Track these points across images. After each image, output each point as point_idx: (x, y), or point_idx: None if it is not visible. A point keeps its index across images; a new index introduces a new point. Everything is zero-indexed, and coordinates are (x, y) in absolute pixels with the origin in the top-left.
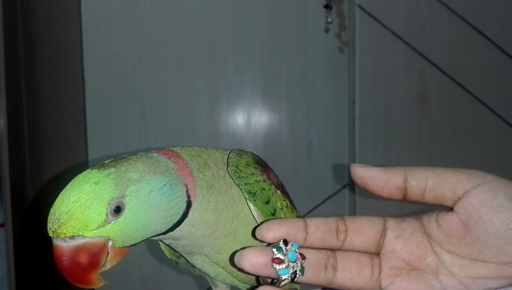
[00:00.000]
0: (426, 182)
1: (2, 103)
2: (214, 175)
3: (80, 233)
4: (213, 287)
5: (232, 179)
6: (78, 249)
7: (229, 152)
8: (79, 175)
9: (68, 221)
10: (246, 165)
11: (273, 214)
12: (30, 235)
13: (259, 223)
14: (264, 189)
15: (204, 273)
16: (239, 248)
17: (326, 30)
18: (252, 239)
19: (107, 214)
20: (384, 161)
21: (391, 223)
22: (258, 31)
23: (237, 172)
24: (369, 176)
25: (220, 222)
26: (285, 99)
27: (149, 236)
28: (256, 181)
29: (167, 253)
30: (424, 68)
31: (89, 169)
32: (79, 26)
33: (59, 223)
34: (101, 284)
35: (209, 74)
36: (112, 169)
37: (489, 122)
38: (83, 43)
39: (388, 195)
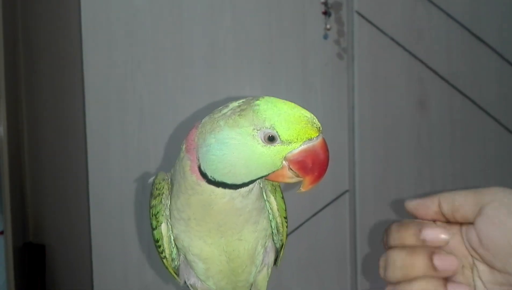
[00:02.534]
0: (453, 204)
1: (2, 111)
2: None
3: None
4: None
5: None
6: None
7: None
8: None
9: (318, 123)
10: None
11: (285, 210)
12: (29, 243)
13: (275, 218)
14: (279, 185)
15: (201, 270)
16: (254, 242)
17: (325, 37)
18: (262, 235)
19: None
20: (383, 166)
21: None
22: (257, 37)
23: None
24: (414, 207)
25: (258, 200)
26: None
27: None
28: None
29: (167, 251)
30: (423, 74)
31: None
32: (79, 32)
33: (316, 124)
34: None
35: (208, 80)
36: None
37: (488, 128)
38: (83, 49)
39: (432, 219)
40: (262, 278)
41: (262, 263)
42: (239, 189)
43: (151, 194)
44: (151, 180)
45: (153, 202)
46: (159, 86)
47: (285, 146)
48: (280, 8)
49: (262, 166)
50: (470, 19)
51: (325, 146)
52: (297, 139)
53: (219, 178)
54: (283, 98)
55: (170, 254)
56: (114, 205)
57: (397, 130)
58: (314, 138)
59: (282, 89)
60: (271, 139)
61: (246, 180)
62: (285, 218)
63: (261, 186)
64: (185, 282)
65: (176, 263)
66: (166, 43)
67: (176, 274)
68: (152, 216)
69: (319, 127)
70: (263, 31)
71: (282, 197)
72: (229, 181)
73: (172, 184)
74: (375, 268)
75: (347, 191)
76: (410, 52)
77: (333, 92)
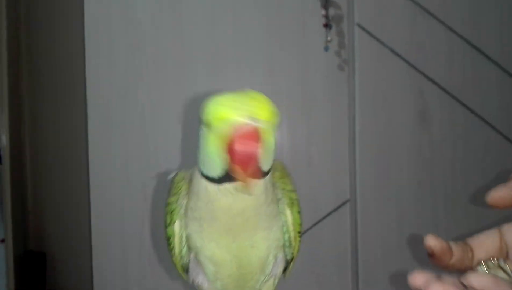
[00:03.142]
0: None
1: (5, 120)
2: None
3: (271, 122)
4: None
5: (276, 182)
6: (268, 137)
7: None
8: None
9: (267, 108)
10: (288, 174)
11: (300, 225)
12: (30, 251)
13: (289, 231)
14: (297, 200)
15: (211, 272)
16: (266, 251)
17: (326, 49)
18: (275, 245)
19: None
20: (384, 177)
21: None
22: (257, 48)
23: (283, 177)
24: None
25: (271, 205)
26: (285, 116)
27: (268, 164)
28: (293, 190)
29: (177, 250)
30: (424, 86)
31: None
32: (81, 35)
33: (257, 108)
34: (254, 183)
35: (209, 90)
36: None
37: (489, 138)
38: (85, 52)
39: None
40: (267, 288)
41: (270, 273)
42: (226, 186)
43: (169, 191)
44: (170, 176)
45: (170, 200)
46: (161, 89)
47: (220, 132)
48: (281, 20)
49: (213, 154)
50: (470, 31)
51: (251, 133)
52: (220, 122)
53: (203, 170)
54: (283, 110)
55: (180, 253)
56: (115, 213)
57: (398, 141)
58: (244, 124)
59: (282, 100)
60: (207, 125)
61: (216, 170)
62: (299, 233)
63: (278, 197)
64: (193, 281)
65: (185, 261)
66: (167, 50)
67: (184, 272)
68: (167, 213)
69: (256, 113)
70: (264, 42)
71: (299, 212)
72: (208, 174)
73: (190, 183)
74: (376, 277)
75: (348, 200)
76: (410, 64)
77: (334, 103)
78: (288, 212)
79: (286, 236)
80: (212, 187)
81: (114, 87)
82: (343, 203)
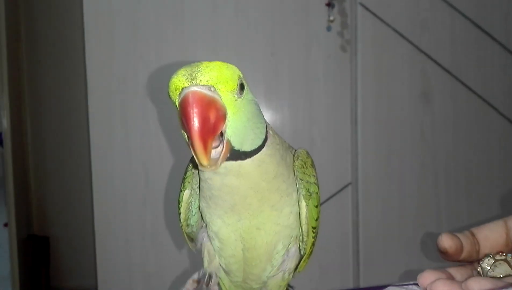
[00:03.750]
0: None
1: (5, 104)
2: (279, 139)
3: (218, 86)
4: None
5: (296, 171)
6: (214, 101)
7: (292, 147)
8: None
9: (211, 71)
10: (311, 165)
11: (316, 220)
12: (34, 235)
13: (302, 225)
14: (317, 193)
15: (216, 247)
16: (274, 237)
17: (328, 29)
18: (285, 233)
19: (237, 85)
20: (386, 159)
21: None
22: (260, 29)
23: (304, 167)
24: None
25: (273, 185)
26: (287, 97)
27: (242, 146)
28: (314, 183)
29: (183, 216)
30: (427, 66)
31: None
32: (81, 25)
33: (200, 72)
34: (210, 162)
35: None
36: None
37: (491, 120)
38: (85, 42)
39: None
40: (275, 283)
41: (279, 267)
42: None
43: (191, 160)
44: None
45: (188, 168)
46: (161, 79)
47: (175, 105)
48: (283, 0)
49: (180, 131)
50: (474, 11)
51: (197, 98)
52: (174, 93)
53: None
54: (285, 91)
55: (186, 219)
56: (118, 197)
57: (400, 122)
58: (184, 89)
59: (284, 81)
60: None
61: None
62: (314, 228)
63: (297, 186)
64: (201, 245)
65: (191, 229)
66: (168, 34)
67: (189, 240)
68: (182, 179)
69: (195, 77)
70: (266, 22)
71: (317, 206)
72: None
73: None
74: (377, 260)
75: (349, 183)
76: (413, 44)
77: (336, 84)
78: (303, 204)
79: (300, 228)
80: None
81: (114, 72)
82: (345, 186)
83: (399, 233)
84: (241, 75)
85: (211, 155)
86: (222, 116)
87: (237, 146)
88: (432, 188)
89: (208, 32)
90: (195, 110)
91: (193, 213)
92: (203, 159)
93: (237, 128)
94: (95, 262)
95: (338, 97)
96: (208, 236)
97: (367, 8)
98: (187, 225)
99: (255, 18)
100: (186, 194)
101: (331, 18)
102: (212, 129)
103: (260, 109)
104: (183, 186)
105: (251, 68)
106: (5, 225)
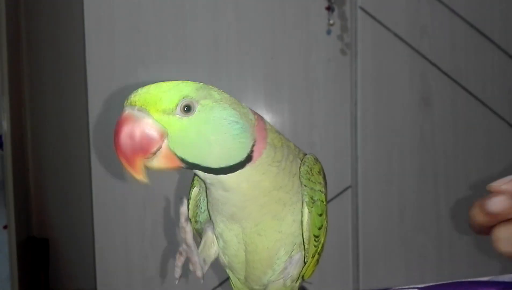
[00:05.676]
0: None
1: (6, 106)
2: (284, 155)
3: (147, 107)
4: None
5: (301, 177)
6: (139, 122)
7: (305, 153)
8: None
9: (143, 94)
10: (318, 172)
11: (319, 229)
12: (33, 237)
13: (303, 232)
14: (323, 202)
15: (220, 246)
16: (276, 244)
17: (328, 32)
18: (288, 240)
19: (177, 106)
20: (386, 162)
21: None
22: (260, 33)
23: (309, 173)
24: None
25: (273, 197)
26: (287, 100)
27: (202, 162)
28: (320, 191)
29: (191, 212)
30: (427, 70)
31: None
32: (82, 28)
33: (136, 95)
34: (141, 178)
35: (211, 75)
36: (201, 84)
37: (491, 124)
38: (86, 45)
39: None
40: (276, 288)
41: (281, 273)
42: (203, 174)
43: None
44: None
45: None
46: (161, 80)
47: None
48: (283, 4)
49: None
50: (474, 15)
51: (123, 119)
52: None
53: None
54: (285, 94)
55: (194, 216)
56: (117, 199)
57: (400, 126)
58: (125, 109)
59: (284, 85)
60: None
61: None
62: (316, 237)
63: (303, 194)
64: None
65: (200, 226)
66: (168, 38)
67: (199, 235)
68: (193, 177)
69: (130, 99)
70: (266, 26)
71: (321, 215)
72: None
73: None
74: (377, 263)
75: (349, 187)
76: (413, 48)
77: (336, 88)
78: (305, 210)
79: (302, 236)
80: (200, 174)
81: (115, 75)
82: (345, 190)
83: (399, 236)
84: (192, 96)
85: (155, 163)
86: (152, 135)
87: (190, 159)
88: (432, 191)
89: (208, 36)
90: (119, 129)
91: (202, 211)
92: (132, 172)
93: (184, 143)
94: (95, 265)
95: (338, 100)
96: (213, 228)
97: (367, 12)
98: (196, 221)
99: (255, 22)
100: (194, 191)
101: (331, 21)
102: (139, 146)
103: (241, 128)
104: (192, 184)
105: (251, 72)
106: (5, 227)
